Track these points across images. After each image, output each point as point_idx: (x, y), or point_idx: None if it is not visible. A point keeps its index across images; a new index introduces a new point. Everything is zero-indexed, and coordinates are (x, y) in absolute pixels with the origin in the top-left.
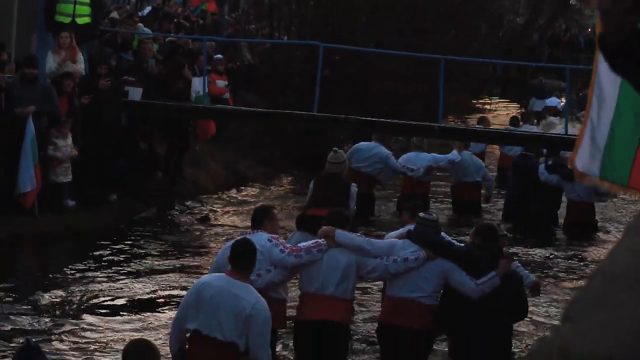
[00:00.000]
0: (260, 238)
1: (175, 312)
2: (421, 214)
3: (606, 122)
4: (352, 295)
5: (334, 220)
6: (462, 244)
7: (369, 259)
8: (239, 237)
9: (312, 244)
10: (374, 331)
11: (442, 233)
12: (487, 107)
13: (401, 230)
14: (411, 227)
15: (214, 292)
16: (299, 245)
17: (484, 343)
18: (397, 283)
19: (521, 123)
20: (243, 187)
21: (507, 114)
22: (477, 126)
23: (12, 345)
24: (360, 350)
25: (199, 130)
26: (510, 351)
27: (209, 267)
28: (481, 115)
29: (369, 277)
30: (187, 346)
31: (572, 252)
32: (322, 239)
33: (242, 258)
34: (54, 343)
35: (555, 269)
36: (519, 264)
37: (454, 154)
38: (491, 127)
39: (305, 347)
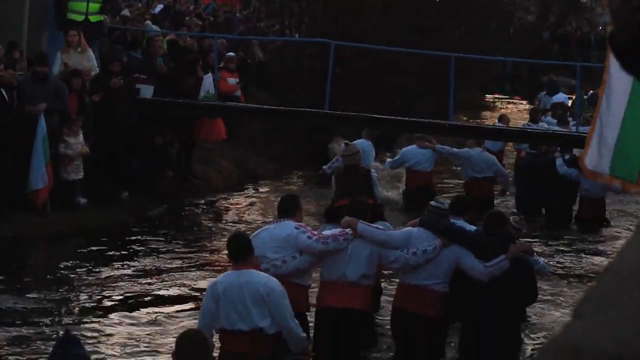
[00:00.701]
0: (287, 226)
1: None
2: (432, 203)
3: (617, 120)
4: (374, 283)
5: (355, 210)
6: (473, 229)
7: (390, 251)
8: (231, 233)
9: (339, 232)
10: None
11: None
12: (498, 104)
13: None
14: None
15: (224, 288)
16: (325, 232)
17: (494, 327)
18: (411, 270)
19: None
20: (254, 184)
21: (518, 110)
22: (498, 124)
23: (28, 341)
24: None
25: (207, 131)
26: (520, 336)
27: (220, 264)
28: (500, 113)
29: (390, 267)
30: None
31: (584, 248)
32: (349, 229)
33: (237, 250)
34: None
35: (566, 265)
36: (538, 259)
37: (465, 150)
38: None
39: (327, 334)
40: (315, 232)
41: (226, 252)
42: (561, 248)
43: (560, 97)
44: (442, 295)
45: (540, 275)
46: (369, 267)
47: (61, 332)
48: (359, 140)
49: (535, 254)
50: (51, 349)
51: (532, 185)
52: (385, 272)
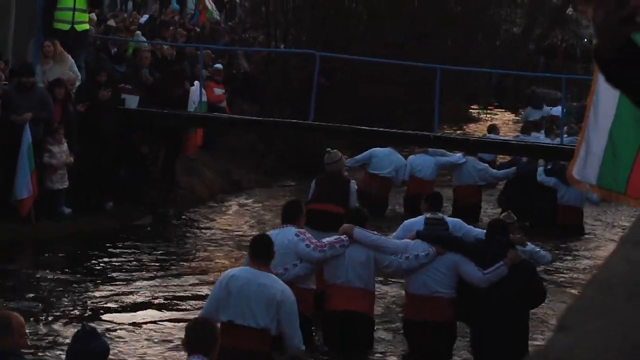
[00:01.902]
0: (288, 232)
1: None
2: (428, 215)
3: (604, 131)
4: (374, 286)
5: (353, 218)
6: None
7: (385, 256)
8: (257, 233)
9: (335, 239)
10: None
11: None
12: (483, 116)
13: (412, 221)
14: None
15: (242, 284)
16: (323, 240)
17: (499, 331)
18: (417, 281)
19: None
20: (238, 195)
21: (503, 123)
22: (488, 135)
23: None
24: (382, 339)
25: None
26: (528, 338)
27: (204, 273)
28: (491, 124)
29: (384, 271)
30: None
31: (563, 258)
32: (344, 235)
33: (261, 251)
34: (47, 351)
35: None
36: (534, 246)
37: (457, 156)
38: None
39: (332, 336)
40: (314, 240)
41: (211, 260)
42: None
43: (556, 110)
44: (449, 301)
45: (539, 263)
46: (368, 271)
47: (46, 340)
48: (385, 149)
49: (528, 243)
50: (70, 343)
51: (518, 193)
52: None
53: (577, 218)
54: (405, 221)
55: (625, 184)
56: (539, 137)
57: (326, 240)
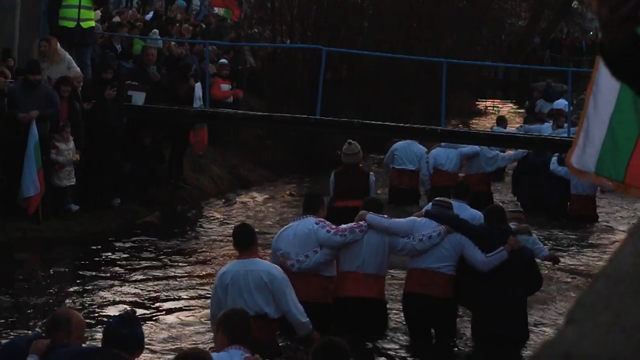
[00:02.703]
0: (308, 222)
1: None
2: (437, 198)
3: (605, 119)
4: (386, 272)
5: (370, 206)
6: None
7: (398, 239)
8: (236, 224)
9: (355, 225)
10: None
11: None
12: (489, 109)
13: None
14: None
15: (231, 277)
16: (342, 226)
17: (499, 315)
18: (419, 256)
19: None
20: (246, 191)
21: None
22: (496, 127)
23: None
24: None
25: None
26: (527, 322)
27: (212, 270)
28: (499, 115)
29: (399, 254)
30: None
31: (574, 250)
32: (363, 221)
33: (242, 239)
34: None
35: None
36: (536, 239)
37: (474, 147)
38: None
39: (345, 322)
40: (334, 226)
41: (218, 257)
42: (555, 244)
43: (561, 103)
44: (450, 278)
45: (536, 255)
46: (382, 257)
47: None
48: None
49: (532, 234)
50: (108, 327)
51: (531, 184)
52: None
53: (589, 207)
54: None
55: (624, 172)
56: (541, 128)
57: (345, 225)
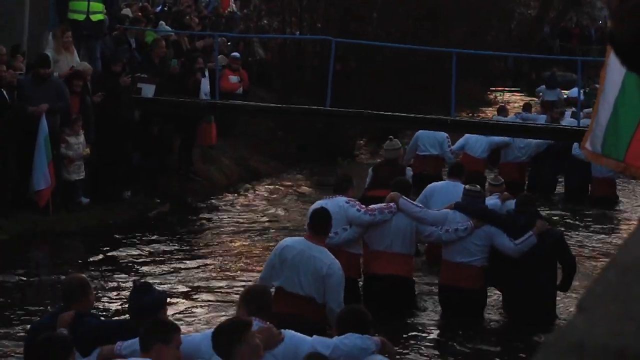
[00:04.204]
0: (339, 200)
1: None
2: (467, 187)
3: (610, 100)
4: (414, 252)
5: (398, 187)
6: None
7: (427, 226)
8: (316, 205)
9: (384, 205)
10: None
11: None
12: (500, 99)
13: (434, 185)
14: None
15: (294, 254)
16: (372, 206)
17: (529, 295)
18: (453, 249)
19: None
20: (256, 183)
21: (519, 105)
22: (497, 116)
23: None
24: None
25: (202, 136)
26: (555, 302)
27: (223, 263)
28: (500, 104)
29: (425, 240)
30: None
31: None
32: (393, 203)
33: (319, 224)
34: None
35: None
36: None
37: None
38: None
39: (374, 299)
40: (364, 206)
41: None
42: (577, 223)
43: (574, 92)
44: (481, 270)
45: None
46: (410, 237)
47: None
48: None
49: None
50: (132, 302)
51: (550, 167)
52: None
53: (610, 189)
54: (428, 185)
55: (624, 151)
56: (537, 118)
57: (375, 206)
